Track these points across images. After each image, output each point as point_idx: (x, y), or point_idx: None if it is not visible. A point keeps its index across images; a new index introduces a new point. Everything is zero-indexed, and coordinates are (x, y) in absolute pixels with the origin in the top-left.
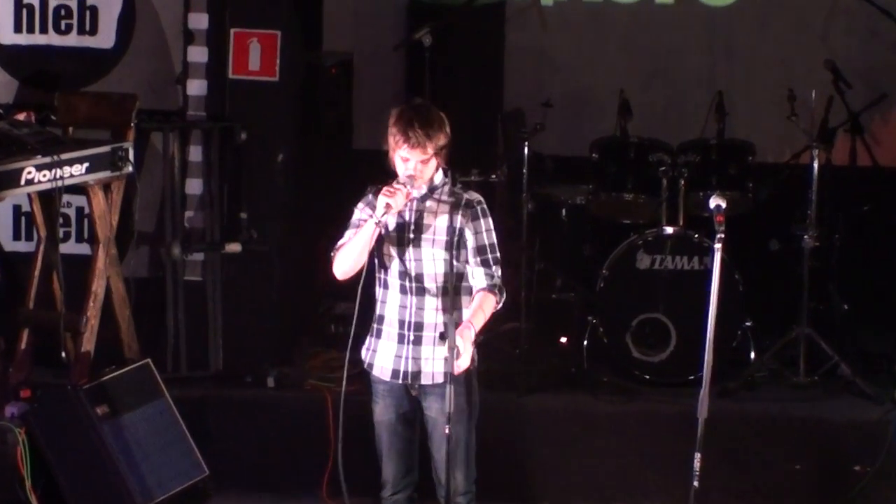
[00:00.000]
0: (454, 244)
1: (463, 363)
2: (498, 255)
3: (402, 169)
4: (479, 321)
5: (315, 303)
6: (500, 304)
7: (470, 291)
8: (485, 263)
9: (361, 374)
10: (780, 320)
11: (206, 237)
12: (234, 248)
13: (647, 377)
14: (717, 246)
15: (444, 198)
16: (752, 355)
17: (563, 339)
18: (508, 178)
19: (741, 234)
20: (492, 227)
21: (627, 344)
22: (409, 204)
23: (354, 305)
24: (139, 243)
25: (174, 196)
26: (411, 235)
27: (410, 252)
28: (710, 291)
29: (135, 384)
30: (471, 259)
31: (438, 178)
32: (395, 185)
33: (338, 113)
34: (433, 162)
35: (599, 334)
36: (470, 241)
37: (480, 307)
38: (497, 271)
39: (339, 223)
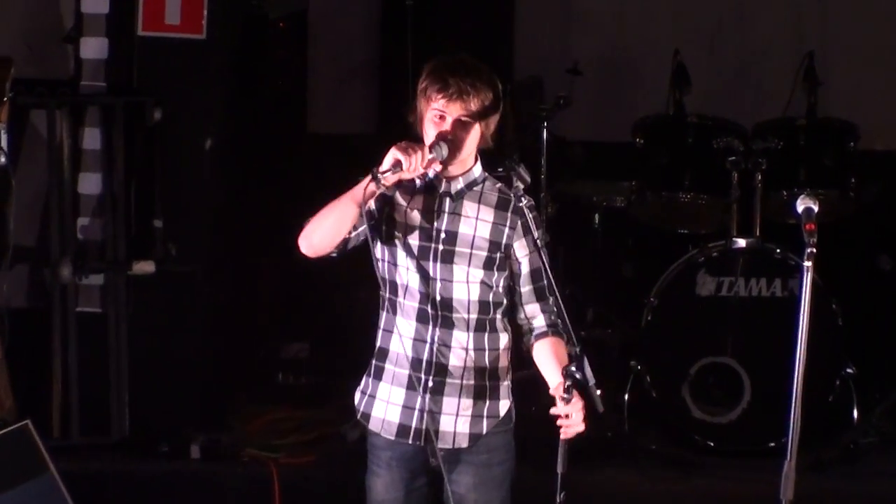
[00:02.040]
0: (497, 263)
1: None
2: (551, 281)
3: (432, 129)
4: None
5: (256, 343)
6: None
7: (503, 325)
8: (540, 294)
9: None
10: (893, 366)
11: (107, 253)
12: (145, 268)
13: (711, 444)
14: (808, 264)
15: (488, 196)
16: (856, 414)
17: (597, 393)
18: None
19: (841, 248)
20: (541, 242)
21: (684, 399)
22: (438, 201)
23: (308, 346)
24: (15, 262)
25: (63, 197)
26: (441, 246)
27: (438, 269)
28: (797, 327)
29: (9, 454)
30: (522, 287)
31: (478, 169)
32: (417, 146)
33: (287, 84)
34: (476, 132)
35: (646, 385)
36: (524, 262)
37: (560, 362)
38: (555, 304)
39: (290, 233)
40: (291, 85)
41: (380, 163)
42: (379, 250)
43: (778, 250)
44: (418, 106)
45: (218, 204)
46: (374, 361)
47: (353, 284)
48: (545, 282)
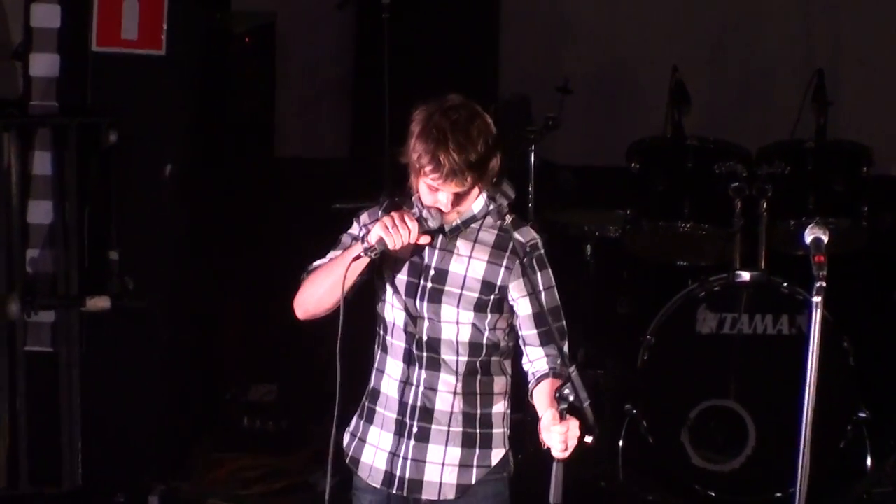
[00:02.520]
0: (490, 305)
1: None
2: (564, 324)
3: (427, 198)
4: None
5: (220, 385)
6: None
7: (500, 369)
8: (546, 338)
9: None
10: None
11: (59, 288)
12: (99, 303)
13: (713, 494)
14: (817, 299)
15: (485, 235)
16: (869, 461)
17: (588, 439)
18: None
19: (853, 282)
20: (553, 282)
21: (683, 445)
22: (424, 243)
23: (276, 388)
24: None
25: (10, 226)
26: (429, 284)
27: (425, 308)
28: (806, 367)
29: None
30: (525, 330)
31: (479, 204)
32: (407, 217)
33: (254, 104)
34: (474, 192)
35: (642, 431)
36: (522, 304)
37: (553, 398)
38: (565, 348)
39: (257, 267)
40: (258, 105)
41: (368, 234)
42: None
43: (785, 284)
44: (411, 157)
45: (179, 234)
46: (366, 402)
47: (324, 322)
48: (553, 326)
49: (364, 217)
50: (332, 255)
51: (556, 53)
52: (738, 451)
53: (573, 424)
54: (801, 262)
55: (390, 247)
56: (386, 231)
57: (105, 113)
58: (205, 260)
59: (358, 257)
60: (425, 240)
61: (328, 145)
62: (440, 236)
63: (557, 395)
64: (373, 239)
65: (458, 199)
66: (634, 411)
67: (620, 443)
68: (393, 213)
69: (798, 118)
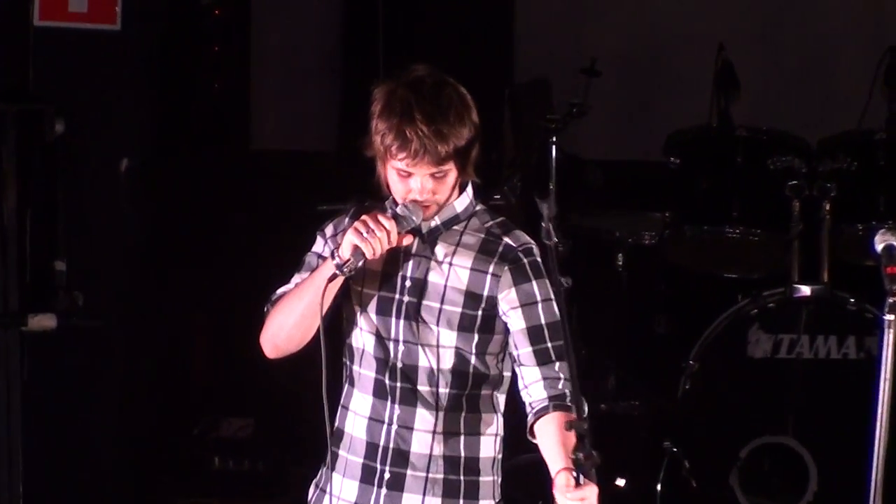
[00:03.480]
0: (478, 323)
1: None
2: (562, 342)
3: (398, 188)
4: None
5: (187, 418)
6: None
7: (491, 404)
8: (542, 358)
9: None
10: None
11: None
12: (43, 322)
13: None
14: (890, 318)
15: (468, 238)
16: None
17: (620, 482)
18: (523, 199)
19: None
20: (551, 294)
21: (733, 489)
22: (406, 244)
23: (252, 422)
24: None
25: None
26: (406, 298)
27: (400, 328)
28: (877, 396)
29: None
30: (518, 350)
31: (462, 203)
32: (380, 217)
33: (225, 89)
34: (452, 175)
35: (684, 472)
36: (514, 317)
37: (565, 445)
38: (563, 370)
39: (230, 279)
40: (230, 89)
41: (338, 248)
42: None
43: (852, 300)
44: (375, 142)
45: (137, 241)
46: (330, 448)
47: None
48: (551, 343)
49: (329, 229)
50: (296, 279)
51: (581, 30)
52: (798, 496)
53: (591, 492)
54: (871, 274)
55: (368, 256)
56: (360, 238)
57: (50, 99)
58: (168, 271)
59: (333, 277)
60: (408, 240)
61: (312, 136)
62: (416, 241)
63: (574, 460)
64: (346, 252)
65: (434, 183)
66: (675, 449)
67: (658, 487)
68: (364, 217)
69: (866, 105)
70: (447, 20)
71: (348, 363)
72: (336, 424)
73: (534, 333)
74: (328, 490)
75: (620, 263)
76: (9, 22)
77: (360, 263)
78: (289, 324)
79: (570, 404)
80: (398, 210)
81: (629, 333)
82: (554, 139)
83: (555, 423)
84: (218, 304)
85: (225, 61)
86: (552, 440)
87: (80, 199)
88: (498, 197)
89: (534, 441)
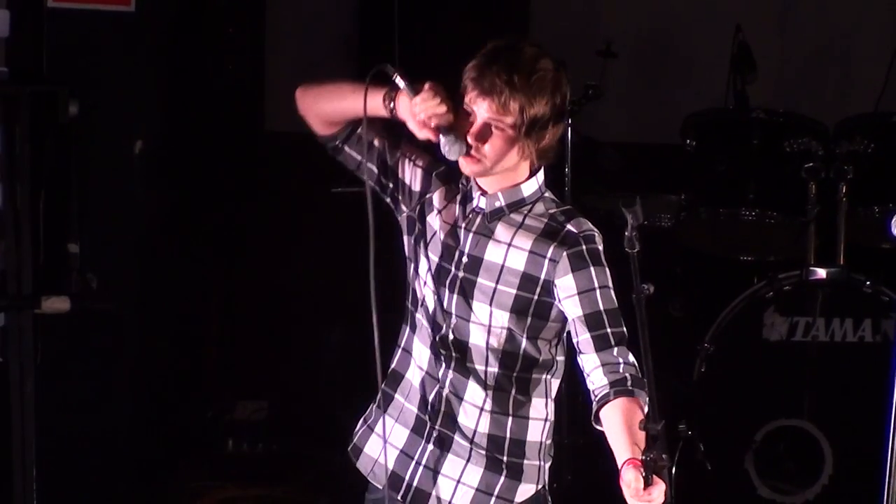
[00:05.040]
0: (533, 307)
1: None
2: (623, 329)
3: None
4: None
5: (201, 401)
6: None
7: (542, 388)
8: (602, 343)
9: None
10: None
11: (9, 286)
12: (57, 305)
13: None
14: None
15: (531, 221)
16: None
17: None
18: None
19: None
20: (609, 282)
21: (748, 472)
22: (468, 217)
23: (266, 405)
24: None
25: None
26: (461, 273)
27: (454, 302)
28: (893, 380)
29: None
30: (577, 337)
31: (530, 187)
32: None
33: (240, 69)
34: (509, 144)
35: (699, 456)
36: (570, 305)
37: (631, 433)
38: (623, 355)
39: (244, 261)
40: (245, 70)
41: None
42: (404, 223)
43: (868, 283)
44: (461, 88)
45: (151, 224)
46: (383, 386)
47: (321, 325)
48: (610, 329)
49: (428, 158)
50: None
51: (598, 11)
52: (813, 479)
53: (659, 490)
54: (888, 257)
55: (412, 104)
56: (431, 92)
57: (63, 80)
58: (182, 254)
59: (393, 97)
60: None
61: None
62: (479, 217)
63: (644, 458)
64: (402, 83)
65: (490, 135)
66: (690, 433)
67: (673, 470)
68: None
69: (884, 87)
70: (463, 4)
71: (411, 308)
72: (394, 366)
73: (592, 320)
74: (374, 428)
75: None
76: (23, 3)
77: (408, 92)
78: (325, 96)
79: (631, 388)
80: (443, 138)
81: (645, 316)
82: (570, 122)
83: (618, 409)
84: (232, 286)
85: (239, 43)
86: (616, 429)
87: (94, 181)
88: None
89: (599, 429)
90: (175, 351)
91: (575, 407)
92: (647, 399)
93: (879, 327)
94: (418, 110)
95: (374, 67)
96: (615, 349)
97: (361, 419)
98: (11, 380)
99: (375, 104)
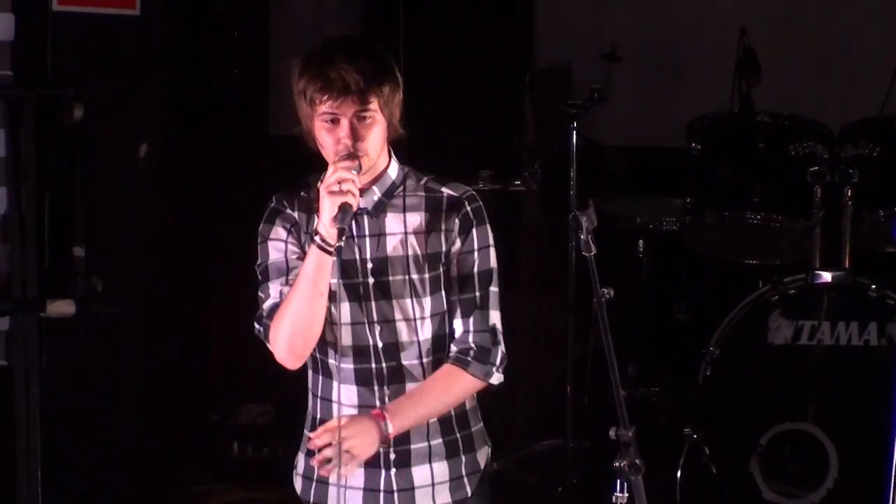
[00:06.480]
0: (443, 281)
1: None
2: (496, 290)
3: (327, 141)
4: (412, 411)
5: (207, 405)
6: (486, 384)
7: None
8: (467, 306)
9: None
10: None
11: (14, 290)
12: (62, 308)
13: None
14: None
15: (412, 200)
16: None
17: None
18: (543, 185)
19: None
20: (491, 241)
21: (753, 476)
22: (355, 224)
23: (271, 409)
24: None
25: None
26: (371, 280)
27: (374, 309)
28: None
29: None
30: (448, 297)
31: (394, 169)
32: (339, 167)
33: (245, 73)
34: (379, 125)
35: (704, 459)
36: (450, 265)
37: (419, 390)
38: (491, 322)
39: (249, 265)
40: (250, 74)
41: (316, 228)
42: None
43: (873, 286)
44: (301, 107)
45: (156, 227)
46: (309, 435)
47: None
48: (478, 292)
49: (276, 226)
50: (274, 288)
51: (602, 14)
52: (818, 482)
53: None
54: (893, 260)
55: (354, 204)
56: (340, 189)
57: (69, 84)
58: (186, 257)
59: (322, 259)
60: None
61: None
62: (366, 219)
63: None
64: (326, 211)
65: (362, 128)
66: (695, 436)
67: (678, 474)
68: (326, 178)
69: (889, 91)
70: (469, 5)
71: (318, 356)
72: (319, 416)
73: (463, 282)
74: (327, 480)
75: (641, 250)
76: (28, 6)
77: (350, 220)
78: (302, 326)
79: (470, 360)
80: (338, 164)
81: (650, 319)
82: (574, 125)
83: (436, 373)
84: (237, 289)
85: (244, 46)
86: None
87: (99, 185)
88: (518, 182)
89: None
90: (179, 354)
91: (580, 410)
92: (486, 372)
93: (884, 331)
94: (357, 186)
95: None
96: (480, 314)
97: (297, 477)
98: (16, 383)
99: (317, 267)
